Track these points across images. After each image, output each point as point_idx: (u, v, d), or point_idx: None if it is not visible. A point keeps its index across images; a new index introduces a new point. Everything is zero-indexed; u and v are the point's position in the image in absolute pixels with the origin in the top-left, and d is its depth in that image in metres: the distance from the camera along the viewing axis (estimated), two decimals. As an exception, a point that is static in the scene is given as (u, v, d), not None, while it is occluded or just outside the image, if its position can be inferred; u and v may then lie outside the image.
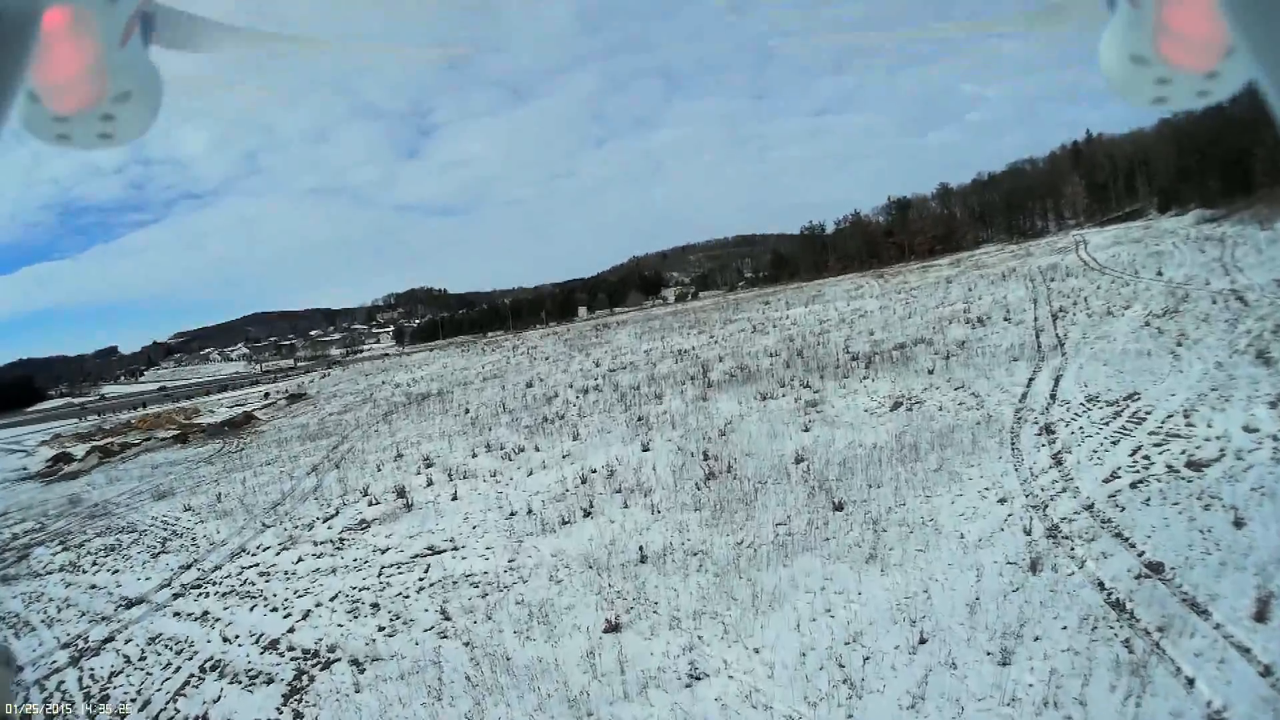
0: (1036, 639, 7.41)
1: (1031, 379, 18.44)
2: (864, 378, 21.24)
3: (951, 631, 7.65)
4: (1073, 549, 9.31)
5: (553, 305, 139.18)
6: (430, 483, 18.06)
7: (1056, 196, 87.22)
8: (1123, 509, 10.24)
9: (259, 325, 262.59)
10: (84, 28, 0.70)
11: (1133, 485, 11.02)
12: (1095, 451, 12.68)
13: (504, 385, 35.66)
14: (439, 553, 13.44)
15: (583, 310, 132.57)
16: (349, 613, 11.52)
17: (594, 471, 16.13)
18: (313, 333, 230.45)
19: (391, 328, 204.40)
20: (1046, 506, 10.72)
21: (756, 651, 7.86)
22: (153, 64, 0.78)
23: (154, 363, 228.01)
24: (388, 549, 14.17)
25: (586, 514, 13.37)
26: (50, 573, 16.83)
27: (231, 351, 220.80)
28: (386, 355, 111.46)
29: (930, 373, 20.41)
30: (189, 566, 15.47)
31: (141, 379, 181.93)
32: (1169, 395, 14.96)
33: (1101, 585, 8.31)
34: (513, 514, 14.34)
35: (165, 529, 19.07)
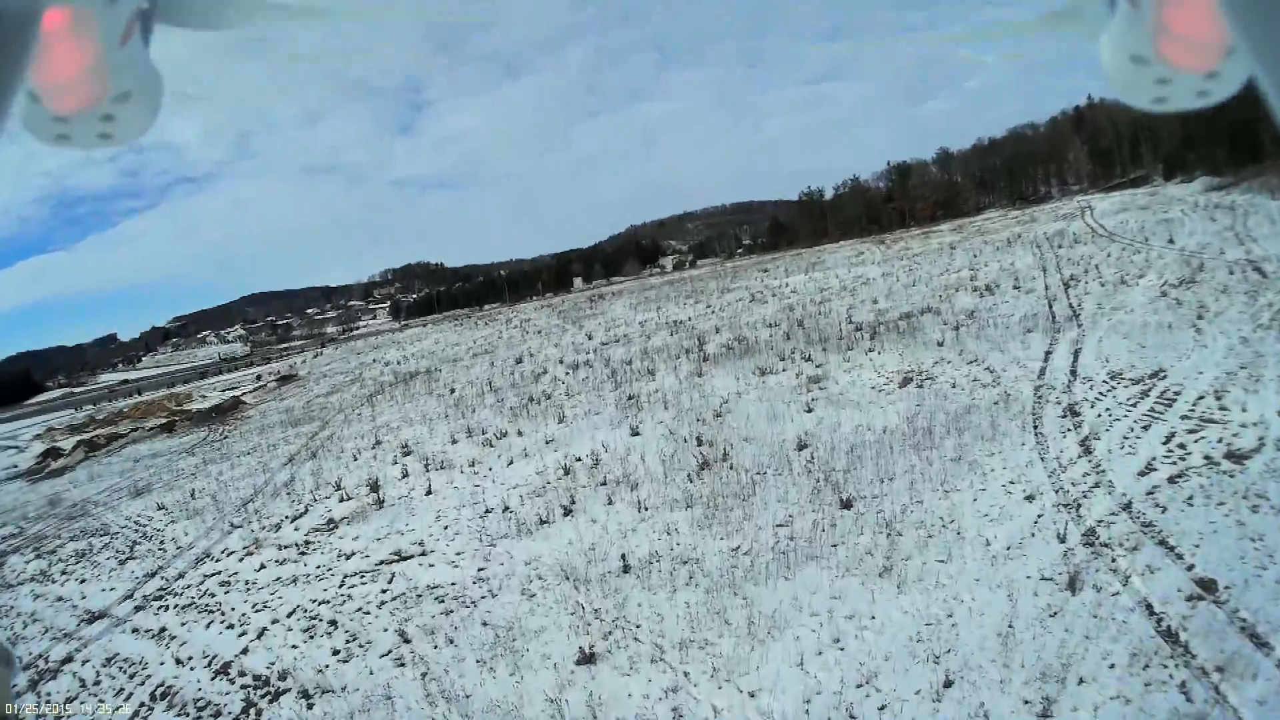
0: (1081, 682, 6.20)
1: (1049, 352, 17.16)
2: (869, 350, 19.93)
3: (982, 671, 6.44)
4: (1114, 560, 8.09)
5: (549, 276, 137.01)
6: (405, 474, 16.87)
7: (1059, 162, 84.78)
8: (1164, 509, 9.02)
9: (256, 306, 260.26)
10: (84, 28, 0.68)
11: (1171, 480, 9.79)
12: (1126, 438, 11.42)
13: (493, 362, 34.36)
14: (406, 559, 12.26)
15: (578, 281, 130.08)
16: (305, 631, 10.43)
17: (578, 460, 14.90)
18: (310, 311, 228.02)
19: (388, 304, 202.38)
20: (1079, 505, 9.48)
21: (752, 696, 6.65)
22: (153, 64, 0.76)
23: (152, 348, 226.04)
24: (353, 554, 13.01)
25: (566, 512, 12.15)
26: (22, 583, 15.78)
27: (228, 333, 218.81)
28: (380, 332, 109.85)
29: (940, 345, 19.09)
30: (154, 574, 14.40)
31: (139, 365, 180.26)
32: (1196, 373, 13.70)
33: (1150, 609, 7.10)
34: (488, 512, 13.13)
35: (136, 530, 17.96)
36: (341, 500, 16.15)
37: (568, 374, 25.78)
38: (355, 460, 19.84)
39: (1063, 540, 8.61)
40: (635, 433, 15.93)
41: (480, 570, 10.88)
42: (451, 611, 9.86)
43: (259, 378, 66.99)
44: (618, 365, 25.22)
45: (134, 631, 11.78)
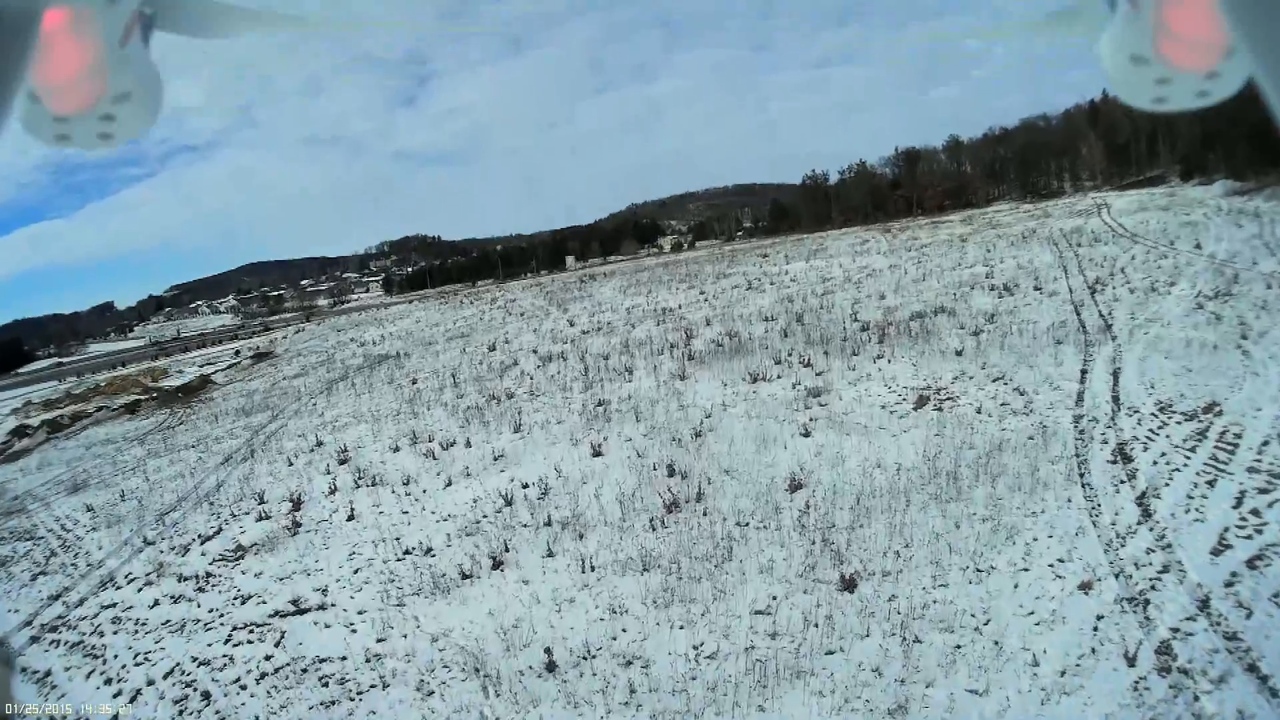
0: None
1: (1084, 371, 14.85)
2: (878, 356, 17.53)
3: None
4: (1197, 699, 5.81)
5: (544, 253, 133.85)
6: (333, 490, 14.54)
7: (1073, 156, 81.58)
8: (1249, 612, 6.74)
9: (254, 275, 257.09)
10: (84, 28, 0.68)
11: (1251, 564, 7.51)
12: (1190, 497, 9.09)
13: (465, 348, 31.90)
14: (303, 611, 9.96)
15: (571, 260, 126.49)
16: (177, 703, 8.29)
17: (525, 488, 12.55)
18: (304, 282, 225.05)
19: (381, 277, 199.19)
20: (1147, 602, 7.16)
21: None
22: (153, 64, 0.76)
23: (145, 318, 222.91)
24: (250, 597, 10.73)
25: (496, 564, 9.80)
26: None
27: (220, 304, 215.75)
28: (368, 307, 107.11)
29: (959, 354, 16.71)
30: (58, 597, 12.18)
31: (131, 335, 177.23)
32: (1254, 409, 11.40)
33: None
34: (406, 553, 10.78)
35: (58, 538, 15.66)
36: (259, 519, 13.86)
37: (538, 367, 23.37)
38: (290, 465, 17.51)
39: (1132, 663, 6.31)
40: (597, 453, 13.56)
41: (379, 642, 8.57)
42: (332, 704, 7.58)
43: (237, 353, 64.73)
44: (594, 359, 22.82)
45: (20, 672, 9.72)
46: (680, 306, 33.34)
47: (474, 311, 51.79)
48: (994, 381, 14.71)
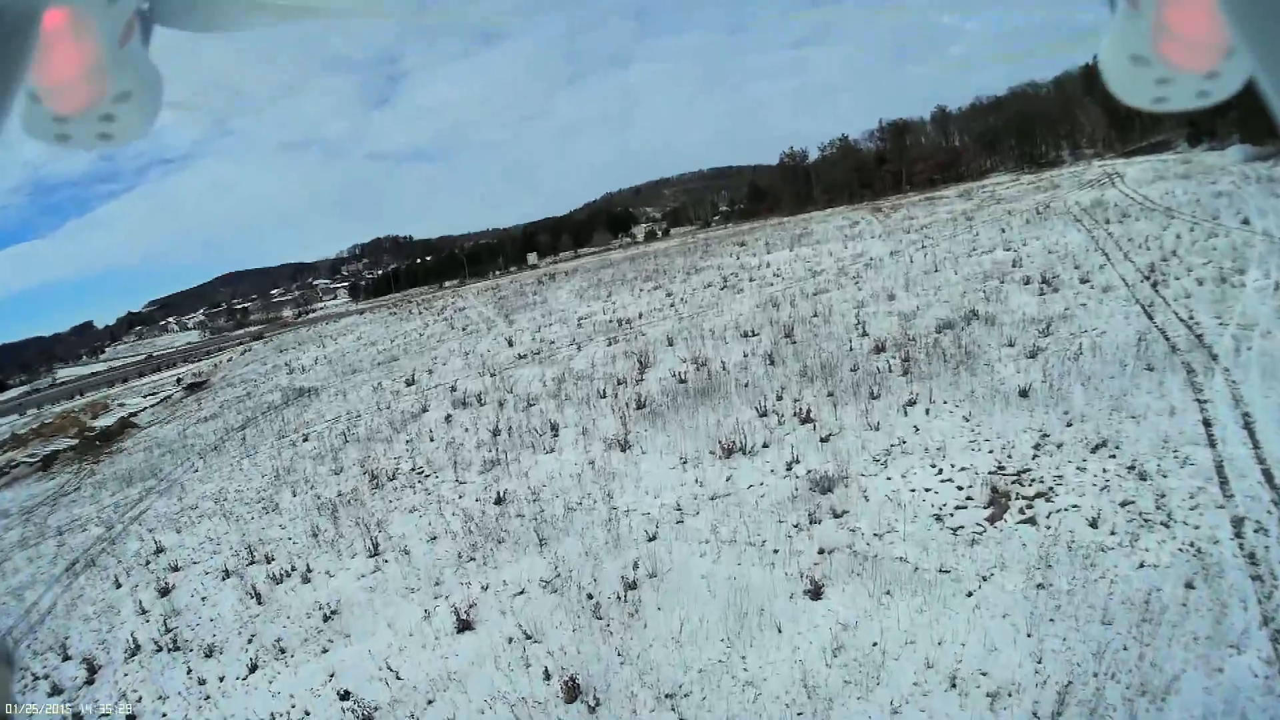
0: None
1: (1206, 421, 9.75)
2: (909, 403, 12.20)
3: None
4: None
5: (512, 249, 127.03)
6: (133, 651, 9.77)
7: (1071, 123, 76.06)
8: None
9: (231, 285, 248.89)
10: (84, 28, 0.67)
11: None
12: None
13: (380, 383, 26.34)
14: None
15: (532, 257, 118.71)
16: None
17: (343, 700, 7.26)
18: (274, 291, 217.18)
19: (348, 283, 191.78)
20: None
21: None
22: (153, 64, 0.76)
23: (117, 337, 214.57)
24: None
25: None
26: None
27: (189, 320, 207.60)
28: (329, 317, 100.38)
29: (1024, 395, 11.50)
30: None
31: (102, 357, 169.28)
32: None
33: None
34: None
35: None
36: (50, 693, 8.78)
37: (447, 418, 17.92)
38: (118, 587, 12.99)
39: None
40: (464, 625, 8.16)
41: None
42: None
43: (179, 380, 59.12)
44: (516, 406, 17.44)
45: None
46: (640, 316, 27.84)
47: (417, 325, 45.98)
48: (1095, 452, 9.47)
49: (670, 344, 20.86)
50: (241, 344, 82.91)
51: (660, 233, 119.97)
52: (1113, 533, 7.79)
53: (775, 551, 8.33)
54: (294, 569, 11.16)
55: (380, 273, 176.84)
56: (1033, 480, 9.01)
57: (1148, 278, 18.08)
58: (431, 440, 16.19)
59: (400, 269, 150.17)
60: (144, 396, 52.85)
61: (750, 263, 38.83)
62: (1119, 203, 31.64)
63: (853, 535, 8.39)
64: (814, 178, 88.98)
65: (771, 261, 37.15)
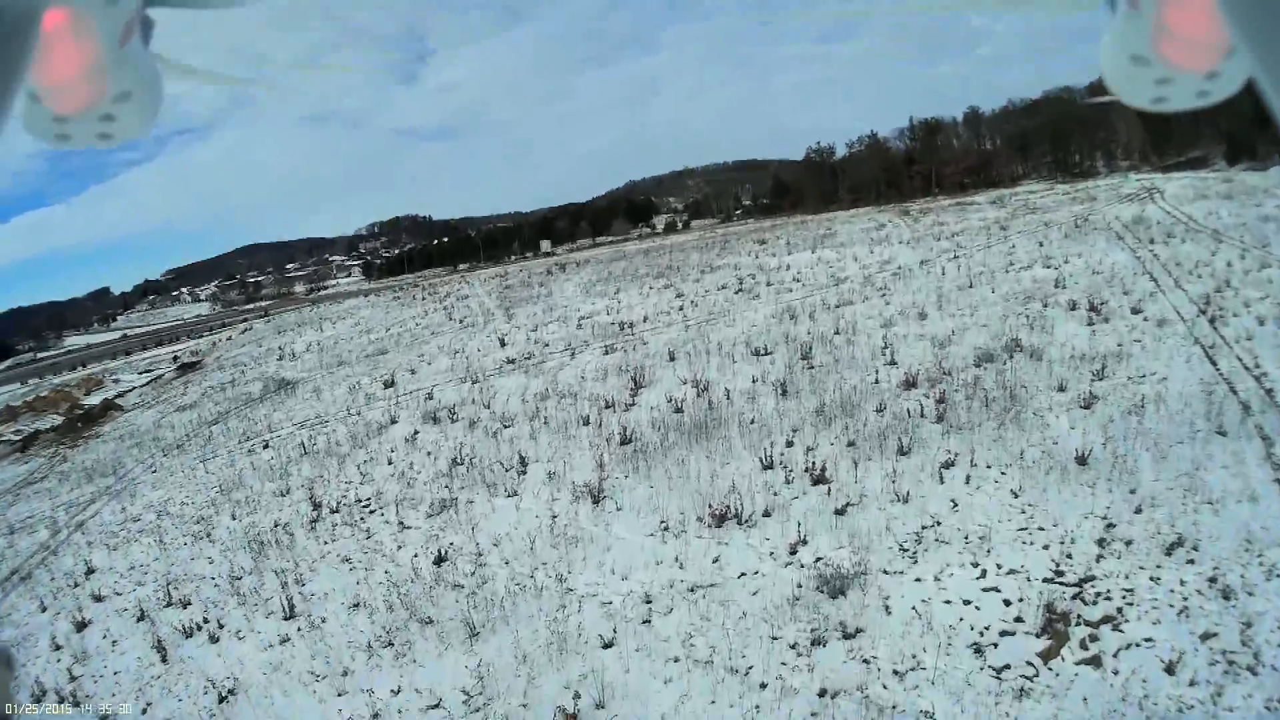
0: None
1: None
2: (945, 465, 10.21)
3: None
4: None
5: (529, 235, 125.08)
6: (39, 696, 8.82)
7: (1108, 131, 72.51)
8: None
9: (250, 257, 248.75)
10: (84, 28, 0.67)
11: None
12: None
13: (361, 381, 24.72)
14: None
15: (545, 244, 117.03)
16: None
17: None
18: (290, 265, 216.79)
19: (363, 261, 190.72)
20: None
21: None
22: (153, 64, 0.76)
23: (129, 306, 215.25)
24: None
25: None
26: None
27: (202, 291, 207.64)
28: (337, 297, 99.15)
29: (1083, 463, 9.54)
30: None
31: (113, 325, 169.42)
32: None
33: None
34: None
35: None
36: None
37: (413, 435, 16.18)
38: (41, 612, 11.60)
39: None
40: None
41: None
42: None
43: (175, 359, 58.09)
44: (487, 427, 15.65)
45: None
46: (645, 319, 25.96)
47: (416, 313, 44.36)
48: (1170, 554, 7.54)
49: (672, 359, 18.97)
50: (245, 320, 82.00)
51: (680, 224, 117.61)
52: (1193, 683, 5.91)
53: (763, 687, 6.45)
54: (206, 620, 9.55)
55: (396, 252, 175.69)
56: (1098, 595, 7.07)
57: (1203, 311, 16.06)
58: (389, 464, 14.45)
59: (416, 250, 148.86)
60: (139, 374, 51.94)
61: (769, 264, 36.77)
62: (1161, 221, 29.30)
63: (867, 671, 6.47)
64: (840, 175, 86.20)
65: (792, 264, 35.09)
